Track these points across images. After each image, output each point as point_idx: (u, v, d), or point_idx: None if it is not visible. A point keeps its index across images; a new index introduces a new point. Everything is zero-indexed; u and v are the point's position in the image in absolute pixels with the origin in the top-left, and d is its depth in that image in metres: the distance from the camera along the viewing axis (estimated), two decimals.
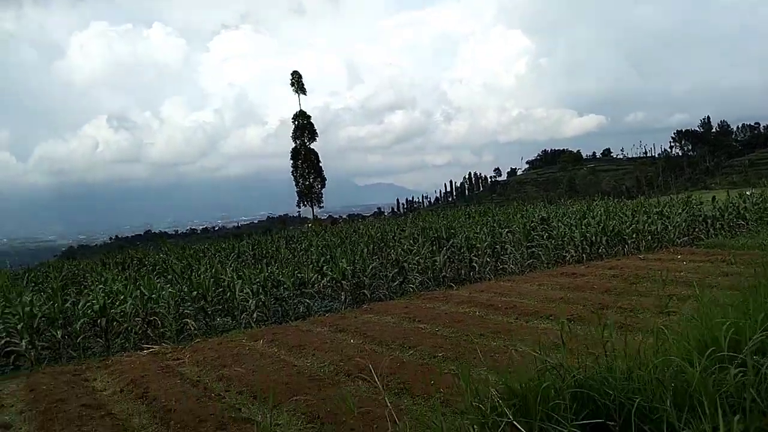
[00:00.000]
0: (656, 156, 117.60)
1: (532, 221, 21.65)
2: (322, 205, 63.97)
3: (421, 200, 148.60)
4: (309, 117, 60.75)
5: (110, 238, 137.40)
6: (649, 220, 19.55)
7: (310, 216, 64.61)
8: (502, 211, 30.15)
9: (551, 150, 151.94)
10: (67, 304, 11.92)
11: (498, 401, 3.59)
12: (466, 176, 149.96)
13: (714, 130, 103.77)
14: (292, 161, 61.06)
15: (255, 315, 13.29)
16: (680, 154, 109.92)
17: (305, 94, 60.87)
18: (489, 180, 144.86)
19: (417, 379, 8.10)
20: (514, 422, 3.34)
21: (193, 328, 12.43)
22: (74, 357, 11.70)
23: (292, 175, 61.24)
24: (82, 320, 11.70)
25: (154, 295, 12.36)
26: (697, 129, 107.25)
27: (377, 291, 15.36)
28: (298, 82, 60.92)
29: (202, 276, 14.39)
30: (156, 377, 9.55)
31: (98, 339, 12.10)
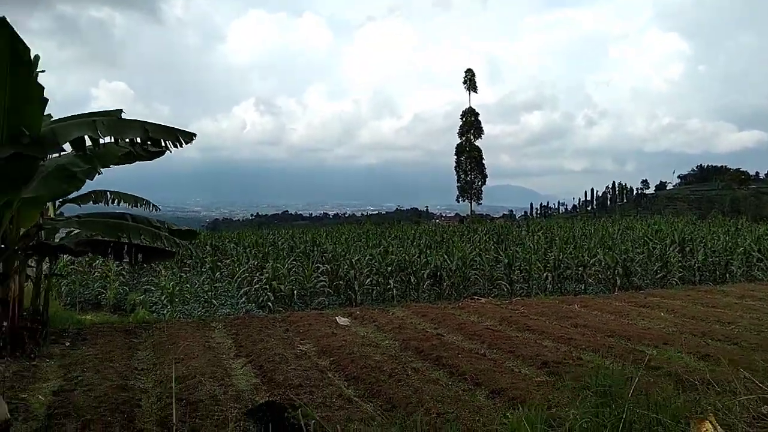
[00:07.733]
0: None
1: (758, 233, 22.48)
2: (481, 201, 66.22)
3: (556, 206, 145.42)
4: (477, 114, 62.97)
5: (251, 215, 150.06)
6: None
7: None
8: (698, 223, 31.18)
9: (707, 165, 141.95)
10: (415, 257, 15.18)
11: None
12: (609, 185, 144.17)
13: None
14: (456, 156, 63.67)
15: (548, 286, 15.82)
16: None
17: (476, 92, 63.26)
18: (635, 191, 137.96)
19: None
20: None
21: (505, 290, 15.21)
22: (414, 299, 14.78)
23: (455, 170, 63.72)
24: (426, 270, 14.87)
25: (476, 259, 15.30)
26: None
27: (640, 279, 17.26)
28: (470, 80, 63.36)
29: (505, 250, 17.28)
30: (517, 317, 12.05)
31: (434, 288, 15.23)
